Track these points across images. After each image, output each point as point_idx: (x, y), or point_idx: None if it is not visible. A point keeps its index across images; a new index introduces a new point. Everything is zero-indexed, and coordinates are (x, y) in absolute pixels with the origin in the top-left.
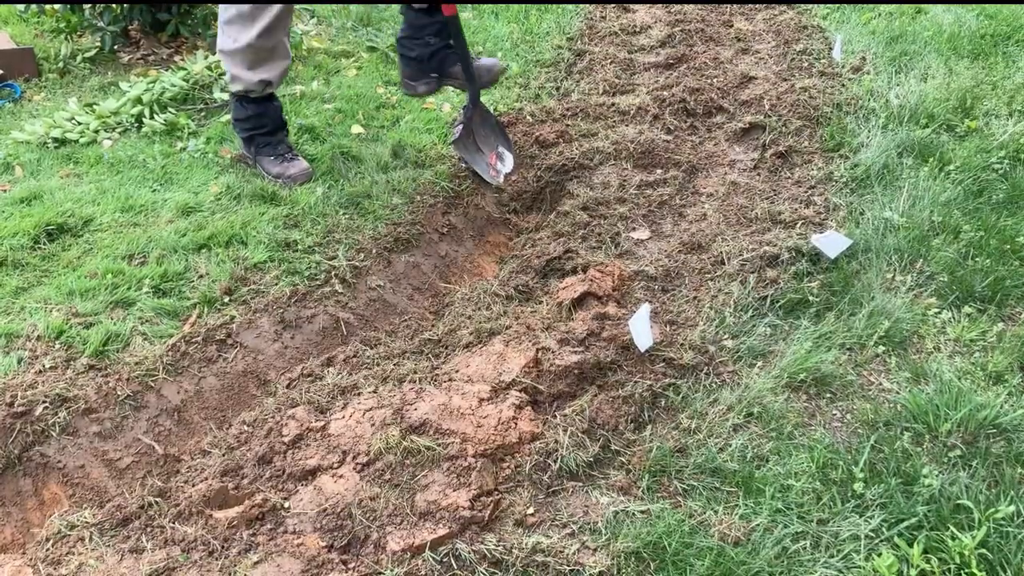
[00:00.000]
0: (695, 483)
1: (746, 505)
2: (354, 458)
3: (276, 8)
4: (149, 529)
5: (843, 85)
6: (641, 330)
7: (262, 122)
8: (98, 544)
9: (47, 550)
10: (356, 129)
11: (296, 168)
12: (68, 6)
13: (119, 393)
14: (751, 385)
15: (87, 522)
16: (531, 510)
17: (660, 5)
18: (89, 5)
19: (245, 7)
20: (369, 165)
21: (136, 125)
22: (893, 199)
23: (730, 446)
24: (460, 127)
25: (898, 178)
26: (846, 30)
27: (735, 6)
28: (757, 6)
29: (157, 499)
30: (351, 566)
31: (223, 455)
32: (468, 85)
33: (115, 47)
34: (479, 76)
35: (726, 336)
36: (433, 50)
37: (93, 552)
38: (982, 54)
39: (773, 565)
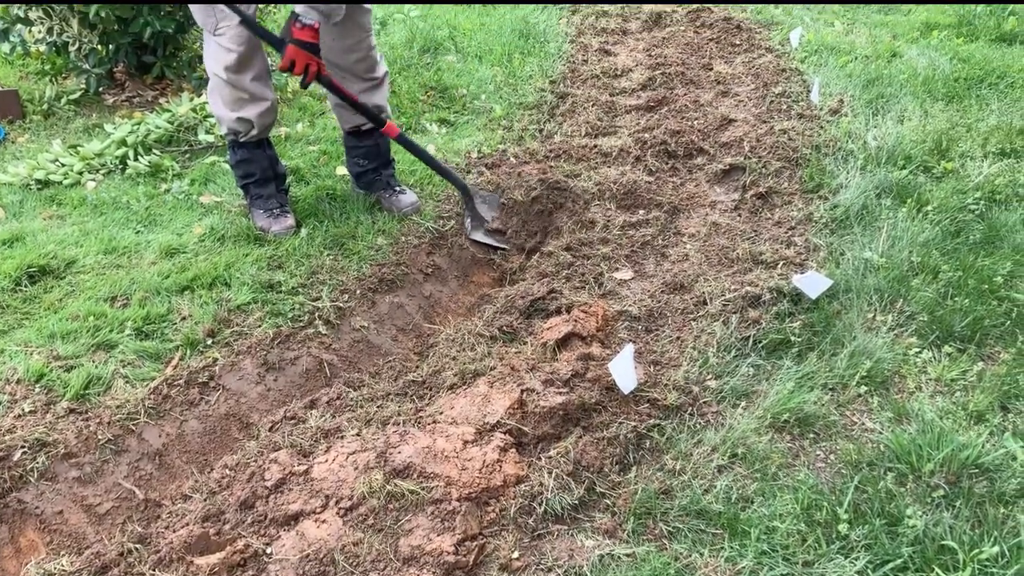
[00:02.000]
0: (680, 525)
1: (731, 547)
2: (337, 503)
3: (241, 48)
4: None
5: (821, 127)
6: (624, 372)
7: (251, 170)
8: None
9: None
10: (341, 171)
11: (279, 225)
12: (53, 48)
13: (99, 437)
14: (735, 426)
15: (65, 570)
16: (516, 554)
17: (641, 49)
18: (75, 47)
19: (213, 43)
20: (354, 206)
21: (120, 167)
22: (872, 239)
23: (715, 487)
24: (468, 220)
25: (877, 219)
26: (824, 73)
27: (715, 49)
28: (735, 50)
29: (137, 545)
30: None
31: (205, 500)
32: (456, 186)
33: (100, 89)
34: (398, 210)
35: (709, 376)
36: (362, 171)
37: None
38: (956, 97)
39: None
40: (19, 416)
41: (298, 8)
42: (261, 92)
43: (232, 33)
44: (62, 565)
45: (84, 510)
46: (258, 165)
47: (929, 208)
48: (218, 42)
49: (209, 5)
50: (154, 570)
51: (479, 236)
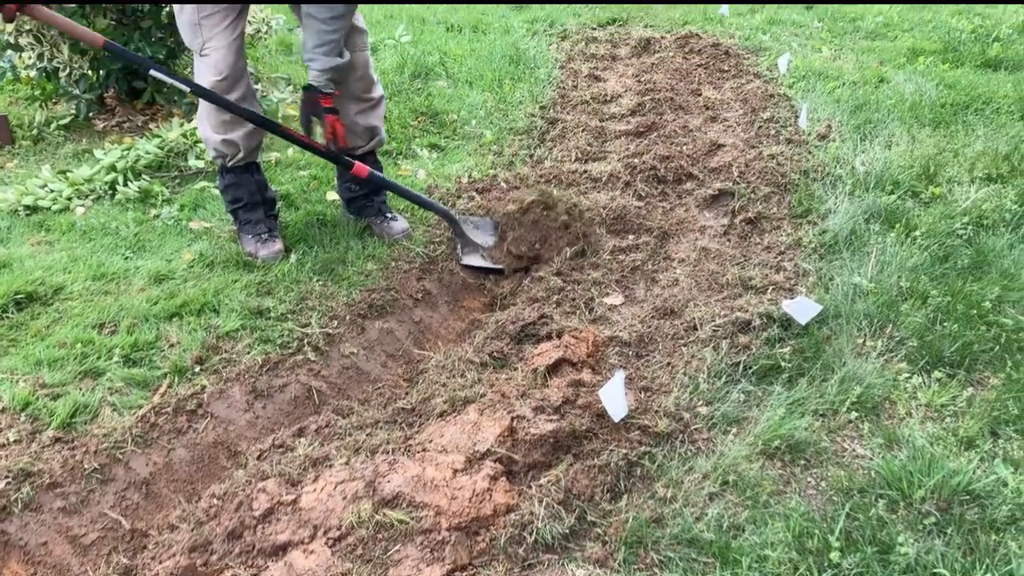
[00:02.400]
0: (672, 554)
1: (723, 575)
2: (325, 532)
3: (227, 70)
4: None
5: (810, 152)
6: (615, 399)
7: (239, 194)
8: None
9: None
10: (331, 196)
11: (268, 251)
12: (43, 74)
13: (86, 466)
14: (726, 452)
15: None
16: None
17: (630, 75)
18: (65, 73)
19: (200, 63)
20: (344, 231)
21: (110, 192)
22: (861, 264)
23: (706, 515)
24: (459, 246)
25: (866, 244)
26: (812, 98)
27: (704, 75)
28: (724, 75)
29: None
30: None
31: (192, 530)
32: (439, 215)
33: (90, 114)
34: (389, 236)
35: (700, 403)
36: (353, 196)
37: None
38: (943, 122)
39: None
40: (3, 446)
41: (318, 80)
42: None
43: (218, 55)
44: None
45: (69, 541)
46: (246, 190)
47: (917, 233)
48: (204, 63)
49: (196, 24)
50: None
51: (471, 260)
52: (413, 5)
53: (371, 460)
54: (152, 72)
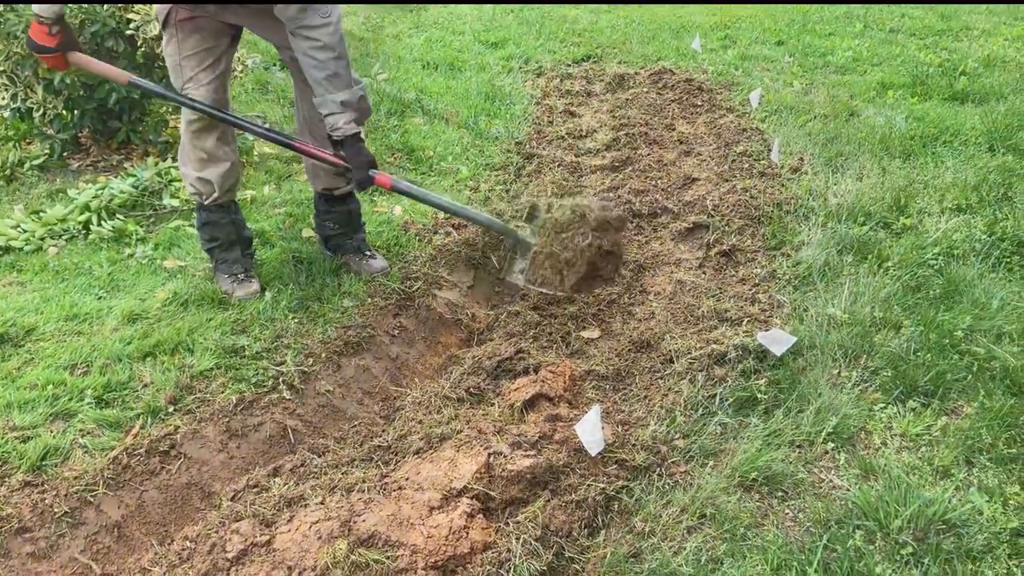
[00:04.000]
0: None
1: None
2: (300, 574)
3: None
4: None
5: (782, 185)
6: (591, 434)
7: (216, 233)
8: None
9: None
10: (307, 233)
11: (243, 291)
12: (17, 114)
13: (56, 510)
14: (703, 485)
15: None
16: None
17: (605, 110)
18: (39, 113)
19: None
20: (320, 268)
21: (83, 232)
22: (835, 295)
23: (684, 549)
24: (514, 262)
25: (839, 275)
26: (784, 132)
27: (677, 110)
28: (697, 110)
29: None
30: None
31: (164, 573)
32: (495, 230)
33: (64, 154)
34: (368, 274)
35: (677, 435)
36: (330, 234)
37: None
38: (912, 154)
39: None
40: None
41: (354, 130)
42: (223, 153)
43: (197, 94)
44: None
45: None
46: (223, 229)
47: (889, 264)
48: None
49: (178, 65)
50: None
51: (522, 281)
52: (387, 43)
53: (347, 499)
54: (177, 99)
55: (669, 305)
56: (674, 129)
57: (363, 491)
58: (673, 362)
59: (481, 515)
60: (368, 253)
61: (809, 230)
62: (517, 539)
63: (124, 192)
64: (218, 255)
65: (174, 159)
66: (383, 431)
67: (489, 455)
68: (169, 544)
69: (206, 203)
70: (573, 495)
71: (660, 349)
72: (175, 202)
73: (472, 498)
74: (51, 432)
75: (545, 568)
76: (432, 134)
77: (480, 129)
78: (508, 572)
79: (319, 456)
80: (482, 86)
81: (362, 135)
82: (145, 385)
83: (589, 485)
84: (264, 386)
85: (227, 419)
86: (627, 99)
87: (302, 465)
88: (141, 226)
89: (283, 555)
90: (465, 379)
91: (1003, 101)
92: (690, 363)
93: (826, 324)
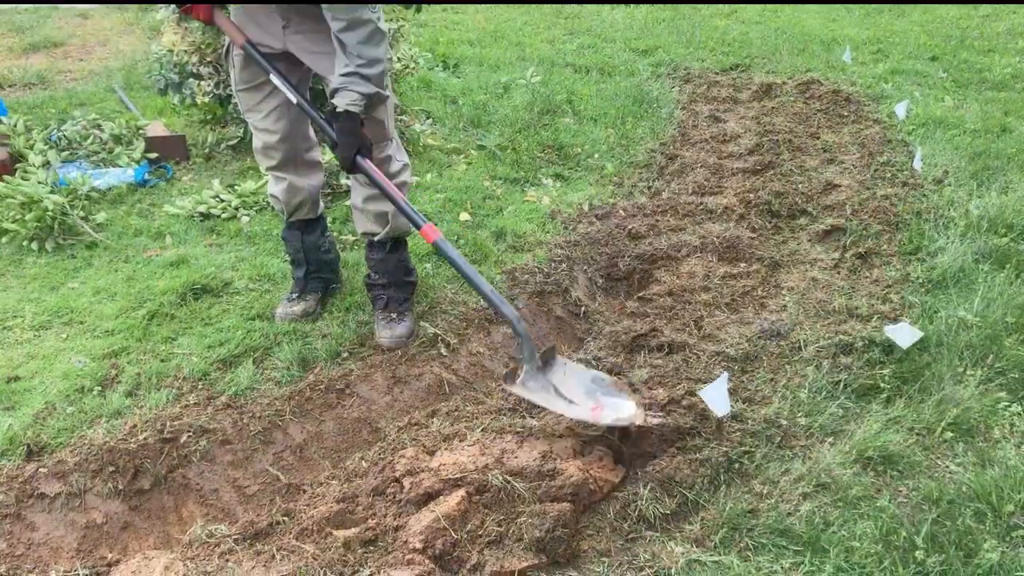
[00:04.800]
0: (764, 541)
1: (811, 563)
2: (463, 487)
3: (258, 142)
4: (278, 542)
5: (924, 195)
6: (718, 398)
7: (287, 248)
8: (235, 550)
9: (192, 552)
10: (464, 216)
11: (282, 309)
12: (216, 100)
13: (251, 429)
14: (821, 459)
15: (225, 534)
16: (611, 551)
17: (750, 117)
18: (233, 103)
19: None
20: (472, 245)
21: (271, 205)
22: (967, 300)
23: (799, 511)
24: (525, 366)
25: (973, 281)
26: (930, 144)
27: (823, 120)
28: (843, 120)
29: (284, 518)
30: None
31: (342, 484)
32: (503, 318)
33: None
34: (379, 340)
35: (800, 414)
36: (371, 283)
37: (232, 556)
38: None
39: None
40: (186, 406)
41: (354, 107)
42: (282, 173)
43: (253, 120)
44: (222, 529)
45: (235, 489)
46: (291, 246)
47: None
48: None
49: (236, 94)
50: (296, 539)
51: (531, 395)
52: (542, 48)
53: (500, 437)
54: (272, 79)
55: (801, 300)
56: (818, 138)
57: (512, 433)
58: (801, 350)
59: (611, 460)
60: (395, 315)
61: (947, 238)
62: (644, 485)
63: None
64: (292, 269)
65: None
66: None
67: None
68: (344, 463)
69: (283, 216)
70: (697, 454)
71: (789, 338)
72: (349, 181)
73: (606, 447)
74: (247, 366)
75: (668, 512)
76: (581, 132)
77: (626, 130)
78: (634, 511)
79: (471, 405)
80: (630, 90)
81: (360, 119)
82: (324, 336)
83: (712, 447)
84: (424, 342)
85: (393, 367)
86: (773, 107)
87: (456, 410)
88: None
89: (448, 471)
90: (602, 350)
91: None
92: (817, 351)
93: (955, 325)
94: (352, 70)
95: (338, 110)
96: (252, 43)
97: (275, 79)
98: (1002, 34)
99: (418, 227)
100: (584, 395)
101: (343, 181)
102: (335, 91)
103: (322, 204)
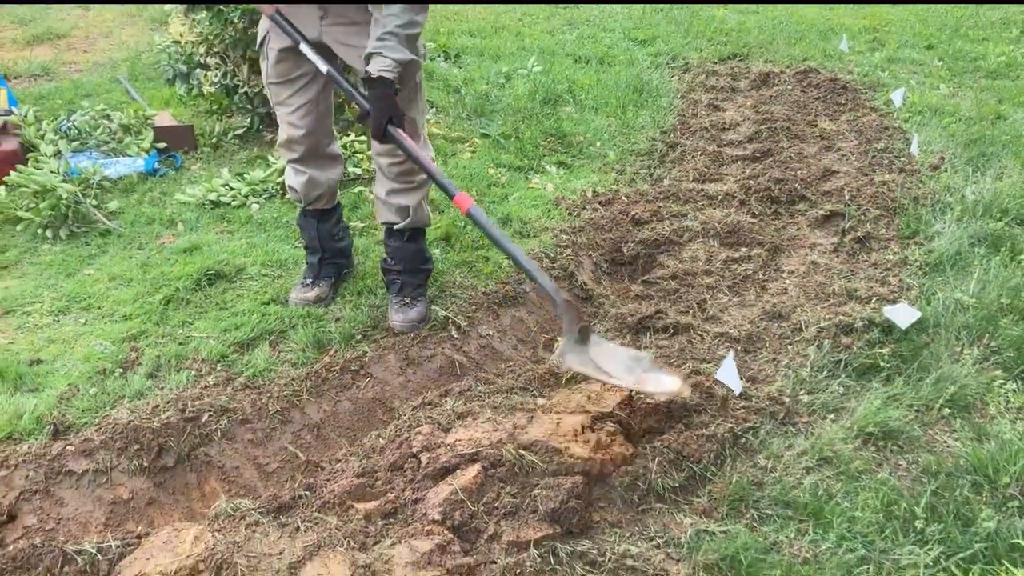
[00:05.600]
0: (770, 512)
1: (815, 532)
2: (479, 461)
3: (282, 135)
4: (301, 515)
5: (921, 181)
6: (731, 376)
7: (301, 235)
8: (260, 522)
9: (219, 524)
10: None
11: (296, 294)
12: (223, 90)
13: (270, 408)
14: (823, 434)
15: (249, 507)
16: (622, 523)
17: (748, 105)
18: (243, 89)
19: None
20: (478, 233)
21: (280, 193)
22: (964, 282)
23: (802, 484)
24: (566, 341)
25: (970, 264)
26: (926, 132)
27: (820, 108)
28: (840, 108)
29: (306, 492)
30: (470, 553)
31: (360, 460)
32: (543, 289)
33: (260, 127)
34: (391, 323)
35: (802, 391)
36: (387, 268)
37: (258, 528)
38: None
39: None
40: (206, 387)
41: (388, 73)
42: (302, 167)
43: (282, 113)
44: (246, 504)
45: (256, 467)
46: (306, 234)
47: (1023, 257)
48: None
49: (267, 87)
50: (319, 512)
51: (578, 364)
52: (542, 38)
53: (511, 415)
54: (302, 48)
55: (802, 283)
56: (816, 125)
57: (523, 410)
58: (802, 331)
59: (622, 436)
60: (408, 300)
61: (944, 223)
62: (653, 459)
63: None
64: (306, 255)
65: (357, 135)
66: (537, 366)
67: (631, 390)
68: (361, 441)
69: (299, 205)
70: (704, 430)
71: (791, 320)
72: (358, 170)
73: (615, 423)
74: (263, 349)
75: (676, 485)
76: (582, 121)
77: (627, 118)
78: (644, 484)
79: (483, 384)
80: (630, 80)
81: (394, 87)
82: (338, 319)
83: (719, 423)
84: (435, 325)
85: (406, 349)
86: (771, 96)
87: (468, 390)
88: None
89: (463, 446)
90: (609, 332)
91: None
92: (818, 332)
93: (953, 307)
94: (391, 30)
95: (372, 76)
96: (281, 14)
97: (304, 48)
98: (996, 23)
99: (451, 196)
100: (624, 371)
101: (351, 170)
102: (369, 56)
103: (339, 193)
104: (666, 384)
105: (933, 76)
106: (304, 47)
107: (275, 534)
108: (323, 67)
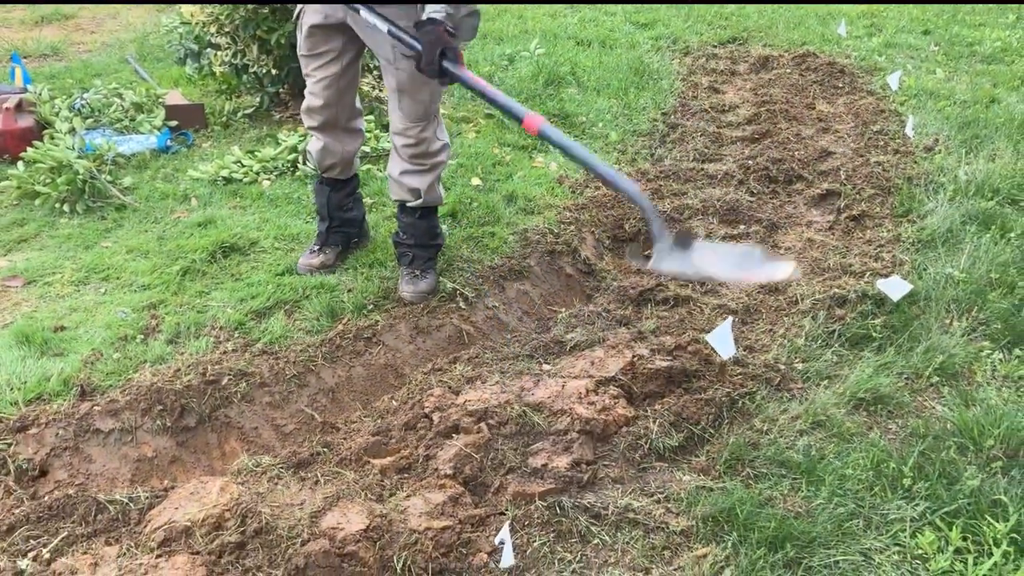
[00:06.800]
0: (765, 470)
1: (808, 489)
2: (487, 420)
3: (311, 102)
4: (320, 470)
5: (915, 162)
6: (723, 341)
7: (315, 200)
8: (282, 475)
9: (243, 477)
10: (475, 181)
11: (305, 260)
12: (233, 70)
13: (287, 372)
14: (817, 400)
15: (270, 463)
16: (624, 479)
17: (748, 88)
18: (253, 69)
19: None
20: (483, 209)
21: (291, 169)
22: (955, 258)
23: (796, 445)
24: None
25: (961, 241)
26: (921, 114)
27: (818, 91)
28: (838, 91)
29: (324, 449)
30: (480, 505)
31: (376, 420)
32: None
33: (270, 106)
34: (402, 294)
35: (797, 360)
36: (399, 241)
37: (280, 481)
38: None
39: (830, 534)
40: (224, 352)
41: (440, 13)
42: (320, 135)
43: (314, 87)
44: (267, 460)
45: (274, 428)
46: (318, 200)
47: (1012, 234)
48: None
49: (301, 58)
50: (337, 467)
51: (677, 267)
52: (544, 21)
53: (518, 379)
54: (362, 13)
55: (798, 258)
56: (814, 108)
57: (530, 375)
58: (797, 303)
59: (624, 399)
60: (418, 272)
61: (937, 202)
62: (654, 421)
63: None
64: (317, 221)
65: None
66: (542, 335)
67: (633, 356)
68: (375, 404)
69: (317, 172)
70: (703, 395)
71: (787, 292)
72: (366, 148)
73: (618, 387)
74: (279, 318)
75: (676, 445)
76: (585, 102)
77: (629, 100)
78: (645, 445)
79: (490, 352)
80: (632, 62)
81: (445, 27)
82: (350, 290)
83: (716, 388)
84: (443, 296)
85: (416, 319)
86: (770, 79)
87: (476, 357)
88: None
89: (473, 406)
90: (611, 303)
91: None
92: (813, 304)
93: (943, 281)
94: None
95: (423, 18)
96: None
97: (364, 13)
98: (993, 9)
99: (520, 119)
100: (732, 268)
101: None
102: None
103: (357, 165)
104: (780, 271)
105: (929, 60)
106: (364, 12)
107: (296, 486)
108: (383, 26)
